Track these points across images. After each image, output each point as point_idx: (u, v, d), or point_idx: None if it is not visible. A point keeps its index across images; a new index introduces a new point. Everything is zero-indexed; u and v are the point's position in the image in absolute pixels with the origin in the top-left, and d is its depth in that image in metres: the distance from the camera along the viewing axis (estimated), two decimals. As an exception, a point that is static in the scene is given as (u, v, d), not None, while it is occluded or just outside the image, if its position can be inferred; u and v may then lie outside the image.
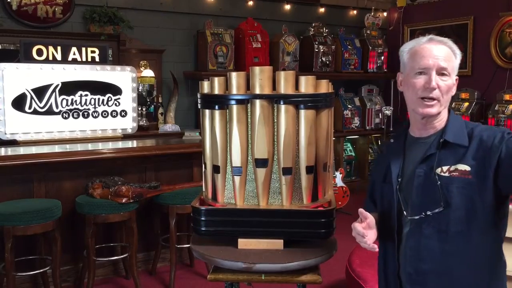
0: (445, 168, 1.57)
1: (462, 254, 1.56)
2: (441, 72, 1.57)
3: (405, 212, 1.64)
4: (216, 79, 2.00)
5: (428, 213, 1.57)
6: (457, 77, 1.64)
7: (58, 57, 4.42)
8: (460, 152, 1.57)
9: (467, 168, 1.54)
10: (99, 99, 4.54)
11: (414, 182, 1.62)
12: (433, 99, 1.58)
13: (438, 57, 1.58)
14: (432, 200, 1.57)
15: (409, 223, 1.64)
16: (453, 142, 1.58)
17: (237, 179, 1.98)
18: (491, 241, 1.58)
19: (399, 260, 1.68)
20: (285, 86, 1.92)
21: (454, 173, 1.55)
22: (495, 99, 5.62)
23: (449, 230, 1.55)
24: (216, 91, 2.00)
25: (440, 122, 1.64)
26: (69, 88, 4.39)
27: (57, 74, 4.33)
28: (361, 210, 1.66)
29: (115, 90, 4.63)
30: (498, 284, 1.61)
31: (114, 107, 4.62)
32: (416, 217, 1.60)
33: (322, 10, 6.78)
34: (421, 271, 1.61)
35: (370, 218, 1.65)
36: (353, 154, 6.96)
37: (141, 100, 5.16)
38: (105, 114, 4.58)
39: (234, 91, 1.94)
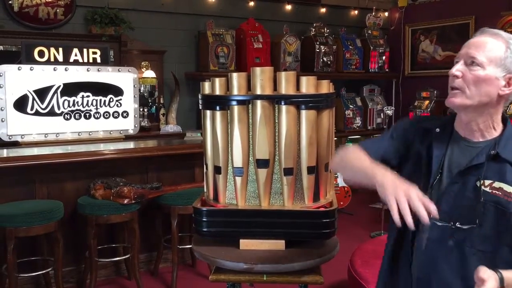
0: (487, 182, 1.43)
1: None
2: (470, 60, 1.45)
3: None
4: (217, 80, 2.00)
5: (458, 225, 1.45)
6: (508, 75, 1.45)
7: (60, 58, 4.43)
8: (510, 170, 1.43)
9: None
10: (100, 100, 4.54)
11: (450, 188, 1.49)
12: (455, 88, 1.46)
13: (471, 46, 1.46)
14: (465, 213, 1.44)
15: (430, 227, 1.50)
16: (505, 158, 1.43)
17: (238, 179, 1.98)
18: None
19: (412, 255, 1.56)
20: (286, 86, 1.92)
21: (497, 192, 1.42)
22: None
23: (474, 248, 1.43)
24: (217, 92, 2.00)
25: (486, 126, 1.49)
26: (70, 89, 4.40)
27: (58, 75, 4.34)
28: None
29: (117, 91, 4.63)
30: None
31: (115, 108, 4.63)
32: (439, 223, 1.48)
33: (323, 10, 6.78)
34: (433, 281, 1.50)
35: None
36: (354, 154, 6.95)
37: (143, 101, 5.16)
38: (106, 115, 4.58)
39: (235, 91, 1.94)
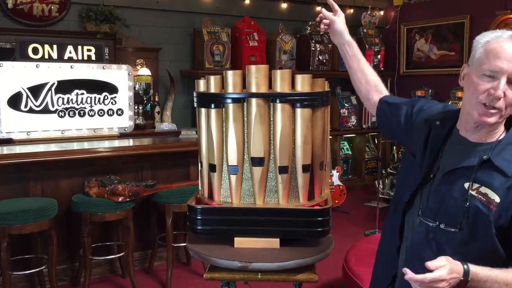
0: (475, 186, 1.41)
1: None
2: (508, 78, 1.35)
3: (420, 211, 1.51)
4: (212, 78, 2.00)
5: (441, 226, 1.45)
6: None
7: (54, 55, 4.41)
8: (498, 178, 1.40)
9: (497, 199, 1.38)
10: (95, 97, 4.53)
11: (439, 187, 1.48)
12: (494, 108, 1.37)
13: (504, 58, 1.35)
14: (450, 214, 1.44)
15: (418, 223, 1.52)
16: (496, 165, 1.40)
17: (233, 177, 1.98)
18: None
19: (401, 238, 1.59)
20: (281, 84, 1.92)
21: (481, 197, 1.40)
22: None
23: (453, 248, 1.43)
24: (212, 90, 2.00)
25: (492, 132, 1.45)
26: (65, 86, 4.38)
27: (53, 72, 4.32)
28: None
29: (112, 89, 4.61)
30: None
31: (110, 106, 4.61)
32: (427, 222, 1.49)
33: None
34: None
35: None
36: (350, 152, 6.97)
37: (138, 98, 5.15)
38: (101, 112, 4.57)
39: (230, 89, 1.94)
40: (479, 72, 1.39)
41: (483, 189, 1.40)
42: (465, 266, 1.34)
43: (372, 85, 1.82)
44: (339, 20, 1.86)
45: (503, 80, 1.35)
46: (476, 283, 1.35)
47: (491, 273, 1.35)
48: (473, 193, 1.41)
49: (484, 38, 1.42)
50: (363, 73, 1.84)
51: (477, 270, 1.35)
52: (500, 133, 1.46)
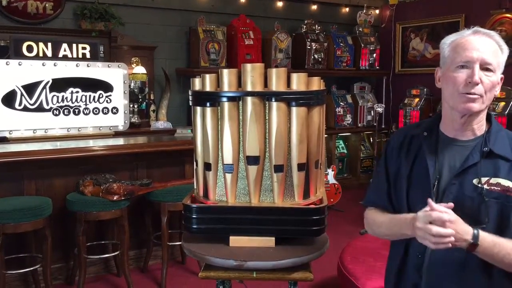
0: (484, 179, 1.45)
1: (486, 269, 1.46)
2: (485, 67, 1.45)
3: None
4: (207, 76, 1.99)
5: None
6: (502, 76, 1.51)
7: (49, 53, 4.39)
8: (503, 165, 1.46)
9: (511, 185, 1.43)
10: (90, 96, 4.51)
11: (448, 190, 1.50)
12: (475, 94, 1.45)
13: (483, 50, 1.44)
14: (469, 214, 1.44)
15: None
16: (497, 153, 1.47)
17: (228, 176, 1.98)
18: None
19: (421, 268, 1.54)
20: (276, 83, 1.92)
21: (495, 187, 1.44)
22: (486, 97, 5.65)
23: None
24: (208, 88, 1.99)
25: (479, 125, 1.51)
26: (59, 84, 4.36)
27: (47, 70, 4.30)
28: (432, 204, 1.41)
29: (107, 87, 4.60)
30: None
31: (105, 104, 4.60)
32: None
33: (314, 7, 6.78)
34: (442, 284, 1.50)
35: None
36: (345, 151, 6.98)
37: (133, 97, 5.13)
38: (96, 111, 4.55)
39: (226, 88, 1.94)
40: (453, 66, 1.48)
41: (494, 180, 1.45)
42: (475, 231, 1.37)
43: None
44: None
45: (477, 67, 1.44)
46: (484, 248, 1.38)
47: (500, 239, 1.39)
48: (486, 187, 1.44)
49: (449, 39, 1.53)
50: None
51: (486, 235, 1.38)
52: (484, 125, 1.53)
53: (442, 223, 1.34)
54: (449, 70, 1.49)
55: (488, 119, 1.55)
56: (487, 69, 1.45)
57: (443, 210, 1.35)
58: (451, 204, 1.38)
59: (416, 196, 1.56)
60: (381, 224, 1.65)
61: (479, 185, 1.45)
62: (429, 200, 1.38)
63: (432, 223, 1.35)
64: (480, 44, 1.45)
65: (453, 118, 1.52)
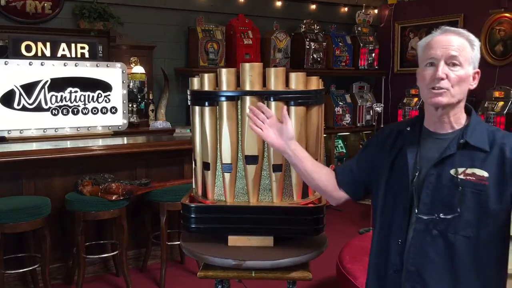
0: (460, 170, 1.52)
1: (467, 258, 1.51)
2: (451, 62, 1.52)
3: (416, 210, 1.57)
4: (206, 76, 1.99)
5: (441, 216, 1.52)
6: (478, 70, 1.57)
7: (47, 53, 4.38)
8: (479, 156, 1.53)
9: (485, 174, 1.50)
10: (89, 95, 4.51)
11: (427, 180, 1.56)
12: (441, 88, 1.53)
13: (447, 46, 1.53)
14: (446, 203, 1.52)
15: (415, 221, 1.57)
16: (474, 145, 1.53)
17: (227, 176, 1.98)
18: (499, 248, 1.54)
19: (403, 254, 1.60)
20: (275, 82, 1.92)
21: (470, 177, 1.51)
22: (485, 96, 5.65)
23: (457, 234, 1.51)
24: (206, 88, 1.99)
25: (456, 118, 1.59)
26: (58, 84, 4.35)
27: (46, 70, 4.29)
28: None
29: (105, 87, 4.59)
30: None
31: (104, 104, 4.59)
32: (425, 217, 1.55)
33: (313, 7, 6.78)
34: (423, 271, 1.55)
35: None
36: (344, 150, 6.98)
37: (132, 96, 5.12)
38: (95, 110, 4.55)
39: (224, 87, 1.94)
40: (423, 64, 1.59)
41: (469, 170, 1.51)
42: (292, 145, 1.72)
43: (330, 177, 1.82)
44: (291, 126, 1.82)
45: (441, 63, 1.53)
46: (293, 159, 1.73)
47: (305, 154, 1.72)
48: (462, 176, 1.51)
49: (423, 41, 1.63)
50: (318, 173, 1.81)
51: (300, 149, 1.73)
52: (464, 119, 1.60)
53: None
54: (420, 68, 1.61)
55: (469, 113, 1.63)
56: (453, 64, 1.53)
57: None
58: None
59: (395, 185, 1.65)
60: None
61: (456, 175, 1.52)
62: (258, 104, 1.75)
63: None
64: (446, 42, 1.55)
65: (431, 112, 1.61)
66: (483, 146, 1.53)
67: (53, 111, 4.35)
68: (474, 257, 1.51)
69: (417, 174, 1.59)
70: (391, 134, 1.73)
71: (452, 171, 1.53)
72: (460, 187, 1.50)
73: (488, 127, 1.60)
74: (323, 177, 1.79)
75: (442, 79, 1.52)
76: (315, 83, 2.01)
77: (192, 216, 1.97)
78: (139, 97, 5.30)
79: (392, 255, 1.62)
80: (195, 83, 2.05)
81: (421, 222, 1.55)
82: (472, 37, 1.57)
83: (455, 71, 1.53)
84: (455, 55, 1.52)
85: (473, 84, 1.58)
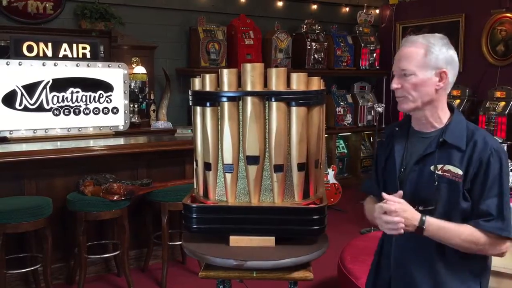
0: (438, 166, 1.63)
1: (441, 249, 1.63)
2: (402, 73, 1.66)
3: None
4: (207, 76, 1.99)
5: (420, 208, 1.63)
6: (443, 70, 1.64)
7: (49, 53, 4.39)
8: (456, 154, 1.62)
9: (460, 172, 1.61)
10: (90, 96, 4.51)
11: (410, 175, 1.69)
12: (399, 96, 1.69)
13: (398, 60, 1.68)
14: (424, 197, 1.64)
15: None
16: (451, 143, 1.63)
17: (228, 176, 1.98)
18: None
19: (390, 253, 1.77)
20: (276, 83, 1.92)
21: (446, 173, 1.62)
22: (486, 96, 5.65)
23: None
24: (208, 88, 1.99)
25: (435, 118, 1.69)
26: (60, 84, 4.36)
27: (48, 70, 4.30)
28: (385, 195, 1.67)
29: (107, 87, 4.60)
30: (476, 281, 1.67)
31: (105, 104, 4.60)
32: None
33: (314, 7, 6.78)
34: (404, 257, 1.71)
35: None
36: (345, 151, 6.97)
37: (133, 97, 5.13)
38: (96, 111, 4.55)
39: (226, 88, 1.94)
40: None
41: (446, 167, 1.63)
42: (423, 217, 1.58)
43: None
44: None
45: (396, 76, 1.69)
46: (431, 231, 1.58)
47: (445, 224, 1.59)
48: (440, 172, 1.63)
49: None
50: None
51: (432, 221, 1.58)
52: (447, 118, 1.70)
53: (391, 212, 1.56)
54: None
55: (452, 110, 1.73)
56: (405, 74, 1.65)
57: (393, 200, 1.58)
58: (400, 192, 1.62)
59: (387, 180, 1.79)
60: (367, 212, 1.88)
61: (434, 171, 1.63)
62: (383, 194, 1.61)
63: (386, 213, 1.58)
64: (398, 56, 1.69)
65: (412, 114, 1.74)
66: (459, 145, 1.63)
67: (55, 111, 4.36)
68: (447, 251, 1.63)
69: (403, 170, 1.72)
70: (388, 134, 1.87)
71: (432, 168, 1.64)
72: (436, 182, 1.62)
73: (468, 126, 1.68)
74: None
75: (397, 89, 1.68)
76: (316, 84, 2.01)
77: (194, 216, 1.97)
78: (140, 97, 5.31)
79: (385, 245, 1.81)
80: (197, 83, 2.05)
81: None
82: (431, 40, 1.66)
83: (408, 80, 1.65)
84: (403, 68, 1.65)
85: (441, 84, 1.65)
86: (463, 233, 1.58)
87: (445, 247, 1.62)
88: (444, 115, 1.70)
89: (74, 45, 4.52)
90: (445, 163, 1.63)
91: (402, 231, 1.56)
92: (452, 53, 1.67)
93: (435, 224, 1.58)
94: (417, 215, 1.59)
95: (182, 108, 5.92)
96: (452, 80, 1.68)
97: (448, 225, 1.59)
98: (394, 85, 1.69)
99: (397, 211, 1.56)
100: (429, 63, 1.64)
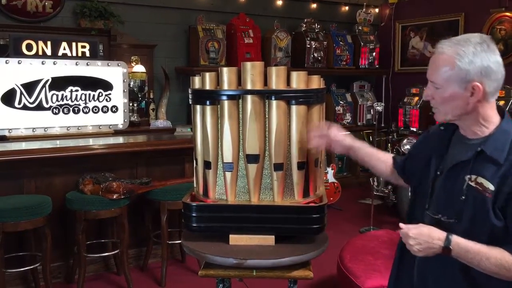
0: (472, 177, 1.51)
1: (460, 264, 1.53)
2: (433, 85, 1.57)
3: (427, 206, 1.64)
4: (207, 75, 1.99)
5: (443, 218, 1.57)
6: (475, 84, 1.48)
7: (48, 52, 4.39)
8: (492, 167, 1.49)
9: (491, 187, 1.47)
10: (89, 94, 4.51)
11: (442, 181, 1.60)
12: (432, 107, 1.60)
13: (429, 67, 1.58)
14: (450, 206, 1.56)
15: (425, 217, 1.65)
16: (489, 155, 1.50)
17: (228, 175, 1.98)
18: None
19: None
20: (276, 81, 1.92)
21: (478, 187, 1.49)
22: (486, 95, 5.65)
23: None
24: (207, 87, 1.99)
25: (476, 128, 1.56)
26: (59, 83, 4.36)
27: (47, 69, 4.30)
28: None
29: (106, 86, 4.60)
30: None
31: (105, 103, 4.59)
32: (431, 215, 1.62)
33: (314, 6, 6.78)
34: (428, 272, 1.64)
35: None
36: (344, 150, 6.97)
37: (132, 95, 5.13)
38: (95, 109, 4.55)
39: (226, 86, 1.94)
40: None
41: (479, 179, 1.50)
42: (450, 236, 1.48)
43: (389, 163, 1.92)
44: (334, 132, 1.95)
45: (428, 85, 1.58)
46: (458, 252, 1.47)
47: (474, 245, 1.47)
48: (471, 184, 1.51)
49: None
50: (379, 160, 1.94)
51: (460, 240, 1.48)
52: (494, 126, 1.55)
53: (408, 238, 1.52)
54: None
55: (502, 115, 1.58)
56: (436, 87, 1.56)
57: (409, 227, 1.53)
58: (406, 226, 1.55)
59: (423, 181, 1.70)
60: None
61: (466, 182, 1.52)
62: (400, 224, 1.56)
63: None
64: (430, 63, 1.58)
65: None
66: (498, 158, 1.49)
67: (54, 110, 4.35)
68: (466, 266, 1.52)
69: (438, 173, 1.63)
70: (435, 132, 1.76)
71: (464, 177, 1.53)
72: (465, 194, 1.51)
73: None
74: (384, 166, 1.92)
75: (428, 99, 1.60)
76: (316, 82, 2.01)
77: (194, 215, 1.97)
78: (139, 96, 5.30)
79: (406, 255, 1.69)
80: (196, 82, 2.05)
81: (429, 219, 1.62)
82: (462, 49, 1.49)
83: (437, 92, 1.56)
84: (432, 80, 1.56)
85: (473, 98, 1.50)
86: (493, 257, 1.45)
87: (470, 267, 1.51)
88: (490, 123, 1.54)
89: (74, 44, 4.52)
90: (478, 175, 1.50)
91: (426, 252, 1.50)
92: (489, 63, 1.47)
93: (462, 245, 1.47)
94: (442, 235, 1.49)
95: (181, 107, 5.91)
96: (493, 90, 1.50)
97: (478, 247, 1.46)
98: (425, 96, 1.61)
99: (415, 237, 1.50)
100: (456, 78, 1.49)
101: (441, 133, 1.69)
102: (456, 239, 1.47)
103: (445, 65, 1.51)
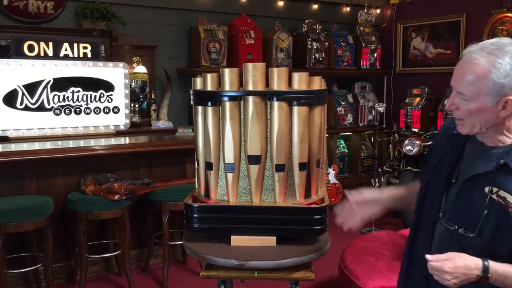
0: (494, 189, 1.43)
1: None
2: (460, 96, 1.44)
3: (441, 214, 1.56)
4: (208, 76, 1.99)
5: (460, 231, 1.49)
6: (507, 98, 1.39)
7: (50, 53, 4.39)
8: None
9: None
10: (91, 95, 4.51)
11: (459, 191, 1.52)
12: (456, 118, 1.48)
13: (455, 75, 1.45)
14: (470, 219, 1.47)
15: (441, 226, 1.57)
16: None
17: (230, 176, 1.98)
18: None
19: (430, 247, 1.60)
20: (278, 82, 1.92)
21: (501, 201, 1.41)
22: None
23: (476, 252, 1.44)
24: (209, 88, 1.99)
25: (498, 138, 1.48)
26: (61, 84, 4.36)
27: (48, 70, 4.30)
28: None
29: (108, 87, 4.60)
30: None
31: (106, 104, 4.60)
32: (445, 225, 1.54)
33: (315, 6, 6.77)
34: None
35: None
36: (346, 150, 6.97)
37: (134, 96, 5.13)
38: (97, 110, 4.55)
39: (227, 87, 1.94)
40: None
41: (502, 193, 1.42)
42: (486, 263, 1.38)
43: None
44: (361, 195, 1.85)
45: (453, 93, 1.47)
46: (496, 279, 1.39)
47: (511, 269, 1.39)
48: (494, 197, 1.42)
49: None
50: (412, 193, 1.84)
51: (496, 266, 1.39)
52: None
53: (444, 274, 1.39)
54: None
55: None
56: (463, 99, 1.44)
57: (440, 259, 1.40)
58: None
59: (433, 186, 1.61)
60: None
61: (487, 194, 1.43)
62: (426, 256, 1.43)
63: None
64: (458, 72, 1.45)
65: None
66: None
67: (56, 110, 4.36)
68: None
69: (453, 181, 1.54)
70: (442, 133, 1.69)
71: (487, 189, 1.44)
72: (486, 209, 1.43)
73: None
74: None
75: (450, 110, 1.48)
76: (318, 83, 2.01)
77: (195, 216, 1.97)
78: (141, 96, 5.31)
79: (415, 258, 1.65)
80: (198, 83, 2.05)
81: (446, 229, 1.55)
82: (499, 60, 1.37)
83: (464, 104, 1.44)
84: (460, 90, 1.44)
85: (505, 112, 1.42)
86: None
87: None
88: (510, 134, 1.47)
89: (75, 45, 4.52)
90: (500, 188, 1.41)
91: (462, 280, 1.39)
92: None
93: (501, 271, 1.38)
94: (478, 263, 1.39)
95: (183, 108, 5.92)
96: None
97: None
98: (448, 106, 1.48)
99: (452, 271, 1.38)
100: (489, 92, 1.39)
101: (454, 136, 1.59)
102: (493, 266, 1.39)
103: (477, 77, 1.40)
